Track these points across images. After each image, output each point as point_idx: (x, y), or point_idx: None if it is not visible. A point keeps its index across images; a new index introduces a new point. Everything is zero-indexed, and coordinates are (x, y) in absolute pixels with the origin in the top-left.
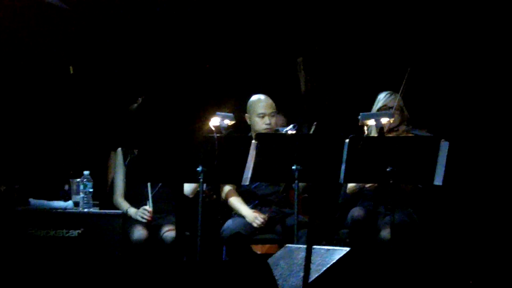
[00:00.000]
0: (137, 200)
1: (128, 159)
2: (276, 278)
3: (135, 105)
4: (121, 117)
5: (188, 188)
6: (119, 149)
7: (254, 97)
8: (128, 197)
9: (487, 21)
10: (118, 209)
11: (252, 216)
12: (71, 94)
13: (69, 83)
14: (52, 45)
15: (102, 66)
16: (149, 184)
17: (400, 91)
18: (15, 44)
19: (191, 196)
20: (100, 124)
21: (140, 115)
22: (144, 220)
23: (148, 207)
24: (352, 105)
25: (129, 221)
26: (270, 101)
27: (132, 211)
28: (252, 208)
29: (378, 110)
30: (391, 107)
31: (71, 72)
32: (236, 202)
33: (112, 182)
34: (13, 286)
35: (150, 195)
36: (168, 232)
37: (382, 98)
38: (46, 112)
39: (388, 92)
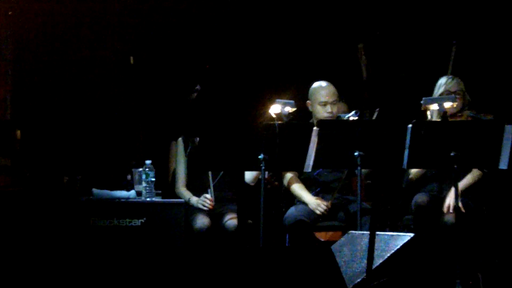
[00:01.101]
0: (199, 189)
1: (189, 149)
2: (340, 265)
3: (195, 94)
4: (181, 106)
5: (249, 176)
6: (180, 138)
7: (317, 84)
8: (190, 186)
9: None
10: (180, 198)
11: (315, 203)
12: (132, 84)
13: (130, 74)
14: (113, 37)
15: (162, 55)
16: (209, 172)
17: (449, 70)
18: (75, 35)
19: (252, 184)
20: (161, 114)
21: (200, 104)
22: (205, 208)
23: (209, 195)
24: (414, 90)
25: (191, 210)
26: (332, 88)
27: (194, 200)
28: (314, 195)
29: (440, 95)
30: (453, 92)
31: (132, 62)
32: (299, 189)
33: (174, 172)
34: (77, 275)
35: (211, 184)
36: (231, 220)
37: (443, 83)
38: (109, 103)
39: (450, 76)
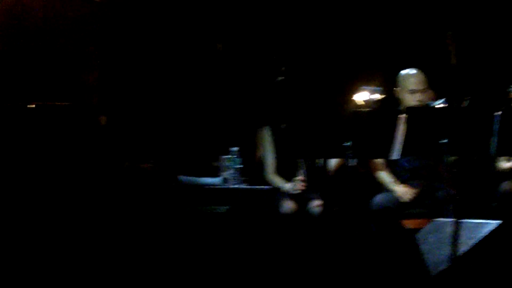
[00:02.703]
0: (289, 175)
1: (276, 136)
2: (424, 252)
3: (281, 77)
4: (268, 92)
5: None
6: (267, 127)
7: (405, 72)
8: (279, 172)
9: None
10: (269, 185)
11: (402, 190)
12: (220, 71)
13: (217, 60)
14: (200, 23)
15: (249, 41)
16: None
17: None
18: (160, 21)
19: (331, 174)
20: (248, 100)
21: (287, 90)
22: (297, 191)
23: (301, 177)
24: (502, 78)
25: (279, 195)
26: (422, 76)
27: (287, 186)
28: (402, 182)
29: None
30: None
31: (219, 49)
32: (386, 177)
33: (261, 159)
34: (163, 259)
35: (303, 166)
36: (316, 207)
37: None
38: (196, 90)
39: None
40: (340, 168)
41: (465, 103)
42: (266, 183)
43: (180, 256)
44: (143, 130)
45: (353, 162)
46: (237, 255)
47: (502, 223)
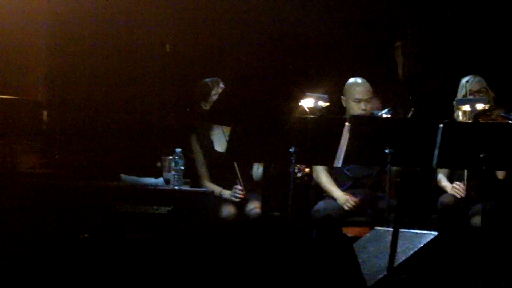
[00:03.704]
0: (225, 180)
1: (205, 144)
2: (363, 261)
3: (208, 80)
4: (211, 95)
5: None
6: (193, 136)
7: (352, 81)
8: (217, 177)
9: None
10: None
11: (344, 198)
12: (167, 71)
13: (165, 61)
14: (149, 23)
15: (197, 43)
16: (235, 163)
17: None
18: (112, 19)
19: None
20: (192, 102)
21: (231, 94)
22: (237, 199)
23: (239, 186)
24: (448, 90)
25: (218, 199)
26: (367, 86)
27: (226, 193)
28: (344, 190)
29: (464, 96)
30: (475, 91)
31: (167, 50)
32: (328, 184)
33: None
34: (101, 261)
35: (239, 174)
36: (253, 210)
37: (464, 83)
38: (141, 89)
39: (470, 76)
40: (283, 173)
41: (410, 114)
42: None
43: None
44: (84, 128)
45: (296, 168)
46: (177, 257)
47: (439, 234)
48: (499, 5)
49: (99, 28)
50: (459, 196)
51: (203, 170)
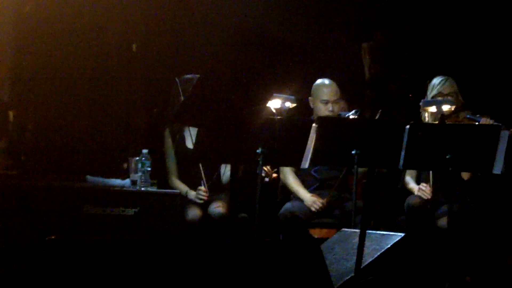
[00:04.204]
0: (192, 180)
1: (177, 139)
2: (330, 262)
3: (190, 76)
4: (178, 96)
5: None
6: (167, 130)
7: (319, 82)
8: (182, 178)
9: None
10: (175, 190)
11: (311, 200)
12: (133, 72)
13: (131, 61)
14: (115, 24)
15: (163, 43)
16: (200, 165)
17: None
18: (77, 19)
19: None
20: (159, 102)
21: (198, 94)
22: (201, 201)
23: (203, 187)
24: (414, 91)
25: (184, 201)
26: (335, 87)
27: (192, 194)
28: (311, 192)
29: (433, 97)
30: (446, 94)
31: (134, 49)
32: (295, 185)
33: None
34: (68, 261)
35: (203, 175)
36: (216, 208)
37: (436, 84)
38: (107, 89)
39: (442, 78)
40: (250, 174)
41: (377, 116)
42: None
43: (85, 258)
44: (54, 129)
45: (263, 169)
46: (143, 258)
47: (406, 236)
48: (464, 7)
49: (64, 27)
50: (425, 198)
51: (172, 166)
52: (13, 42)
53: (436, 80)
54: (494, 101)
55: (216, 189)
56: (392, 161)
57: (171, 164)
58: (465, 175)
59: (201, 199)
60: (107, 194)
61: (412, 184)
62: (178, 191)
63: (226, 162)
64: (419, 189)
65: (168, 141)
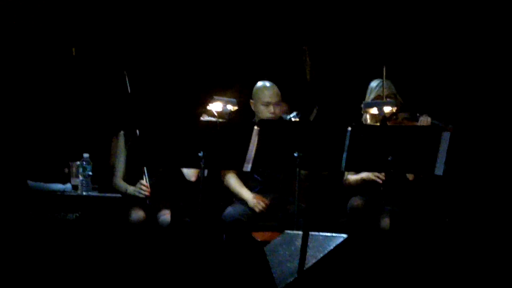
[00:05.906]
0: (135, 183)
1: (129, 143)
2: (273, 264)
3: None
4: (121, 100)
5: (190, 172)
6: (121, 132)
7: (260, 84)
8: (127, 180)
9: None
10: (117, 191)
11: (254, 201)
12: (73, 76)
13: (71, 65)
14: (54, 27)
15: (104, 47)
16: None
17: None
18: (18, 26)
19: (192, 180)
20: (101, 107)
21: (140, 99)
22: (142, 196)
23: (144, 181)
24: (356, 93)
25: (127, 203)
26: (276, 89)
27: (131, 189)
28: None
29: (373, 100)
30: (386, 96)
31: (74, 54)
32: (238, 187)
33: (113, 166)
34: (11, 268)
35: (145, 171)
36: (164, 216)
37: (374, 87)
38: (48, 94)
39: (380, 80)
40: (195, 176)
41: (313, 115)
42: (116, 190)
43: (27, 263)
44: None
45: (206, 172)
46: (86, 262)
47: (348, 237)
48: (406, 9)
49: (1, 29)
50: (383, 179)
51: (120, 168)
52: None
53: (373, 83)
54: (432, 99)
55: (161, 194)
56: (334, 163)
57: (120, 165)
58: (410, 176)
59: (142, 194)
60: (48, 199)
61: (355, 176)
62: (119, 195)
63: (167, 166)
64: (373, 174)
65: (122, 144)
